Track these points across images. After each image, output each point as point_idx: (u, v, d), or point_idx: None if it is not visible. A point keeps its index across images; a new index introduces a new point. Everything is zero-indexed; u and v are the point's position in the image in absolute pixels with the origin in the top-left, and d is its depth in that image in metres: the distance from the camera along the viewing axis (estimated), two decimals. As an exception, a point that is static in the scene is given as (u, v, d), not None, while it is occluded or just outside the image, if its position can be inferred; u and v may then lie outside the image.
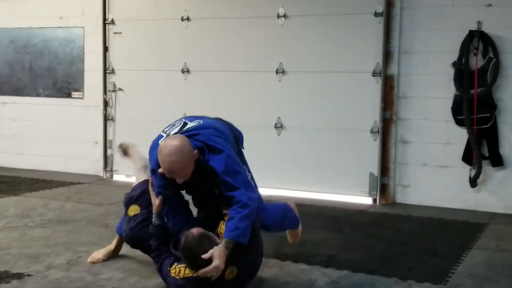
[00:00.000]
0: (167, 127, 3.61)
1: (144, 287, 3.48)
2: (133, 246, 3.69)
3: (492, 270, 3.88)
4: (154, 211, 3.45)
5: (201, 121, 3.54)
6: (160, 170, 3.27)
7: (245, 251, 3.18)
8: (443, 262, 4.05)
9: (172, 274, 3.19)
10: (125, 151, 4.49)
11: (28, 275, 3.60)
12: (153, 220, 3.47)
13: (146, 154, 3.68)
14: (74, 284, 3.46)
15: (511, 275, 3.76)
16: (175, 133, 3.41)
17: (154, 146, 3.43)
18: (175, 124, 3.60)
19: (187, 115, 6.73)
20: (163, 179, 3.34)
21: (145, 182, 3.76)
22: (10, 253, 4.05)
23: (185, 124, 3.52)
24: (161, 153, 3.21)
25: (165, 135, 3.47)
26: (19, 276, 3.58)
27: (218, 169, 3.19)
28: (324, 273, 3.75)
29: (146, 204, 3.67)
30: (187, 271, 3.13)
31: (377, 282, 3.60)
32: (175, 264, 3.21)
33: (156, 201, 3.43)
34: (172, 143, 3.20)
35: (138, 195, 3.78)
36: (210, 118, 3.71)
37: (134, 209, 3.73)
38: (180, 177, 3.24)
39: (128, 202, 3.81)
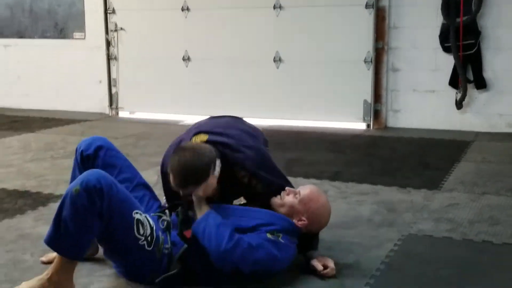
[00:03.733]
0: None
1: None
2: None
3: (480, 177, 4.39)
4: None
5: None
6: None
7: None
8: (436, 173, 4.55)
9: None
10: None
11: (71, 196, 4.02)
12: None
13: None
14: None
15: (496, 181, 4.27)
16: None
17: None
18: None
19: (188, 52, 7.17)
20: None
21: None
22: (48, 179, 4.47)
23: None
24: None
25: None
26: (63, 196, 4.01)
27: None
28: (333, 185, 4.23)
29: None
30: None
31: (380, 190, 4.10)
32: None
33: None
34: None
35: None
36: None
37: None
38: None
39: None
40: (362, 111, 6.53)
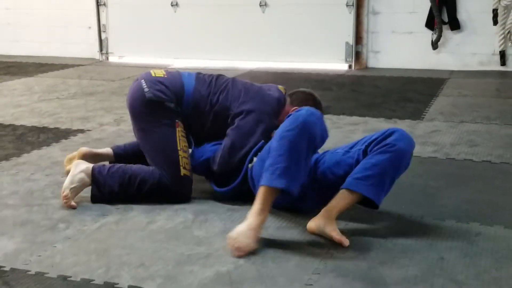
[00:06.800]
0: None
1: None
2: None
3: (457, 108, 4.86)
4: None
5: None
6: None
7: None
8: (417, 105, 5.01)
9: None
10: None
11: (88, 130, 4.39)
12: None
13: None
14: (131, 134, 4.26)
15: (472, 111, 4.75)
16: None
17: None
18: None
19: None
20: None
21: None
22: (62, 116, 4.81)
23: None
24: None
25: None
26: (81, 131, 4.36)
27: None
28: (326, 118, 4.60)
29: None
30: None
31: (369, 121, 4.54)
32: None
33: None
34: None
35: None
36: None
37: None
38: None
39: None
40: (344, 53, 6.92)
